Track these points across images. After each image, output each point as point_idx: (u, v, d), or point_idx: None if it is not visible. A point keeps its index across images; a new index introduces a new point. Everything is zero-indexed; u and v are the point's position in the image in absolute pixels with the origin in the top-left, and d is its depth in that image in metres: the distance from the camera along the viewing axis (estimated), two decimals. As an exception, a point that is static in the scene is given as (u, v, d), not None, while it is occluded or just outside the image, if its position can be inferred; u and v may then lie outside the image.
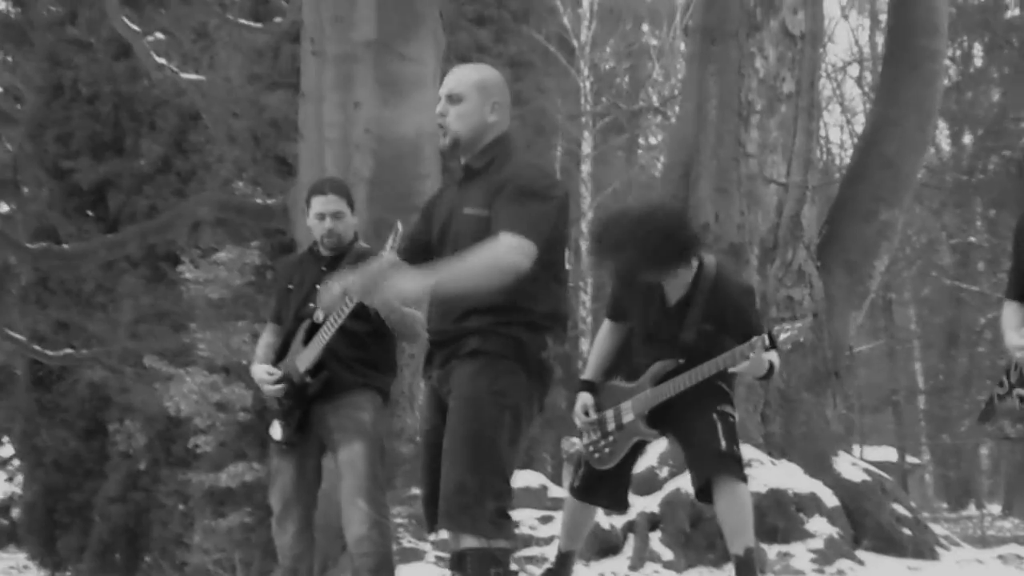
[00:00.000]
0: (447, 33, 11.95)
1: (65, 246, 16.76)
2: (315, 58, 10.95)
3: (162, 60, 16.17)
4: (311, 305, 6.38)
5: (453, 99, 4.88)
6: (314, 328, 6.30)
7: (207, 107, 17.00)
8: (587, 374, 6.57)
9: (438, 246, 4.94)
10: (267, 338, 6.69)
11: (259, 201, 14.50)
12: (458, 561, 4.74)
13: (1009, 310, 5.14)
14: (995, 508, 28.39)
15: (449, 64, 13.39)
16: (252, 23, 17.03)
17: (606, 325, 6.56)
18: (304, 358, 6.31)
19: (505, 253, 4.56)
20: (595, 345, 6.55)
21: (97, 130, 20.21)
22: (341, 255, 6.48)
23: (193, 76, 16.78)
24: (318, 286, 6.40)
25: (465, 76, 4.96)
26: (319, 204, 6.48)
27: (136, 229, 16.07)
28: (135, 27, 15.89)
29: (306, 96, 11.13)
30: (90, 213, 20.33)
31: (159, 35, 17.45)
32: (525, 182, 4.72)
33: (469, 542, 4.65)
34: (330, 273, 6.42)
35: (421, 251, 5.08)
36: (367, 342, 6.31)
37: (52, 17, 21.35)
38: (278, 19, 16.87)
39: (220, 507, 15.24)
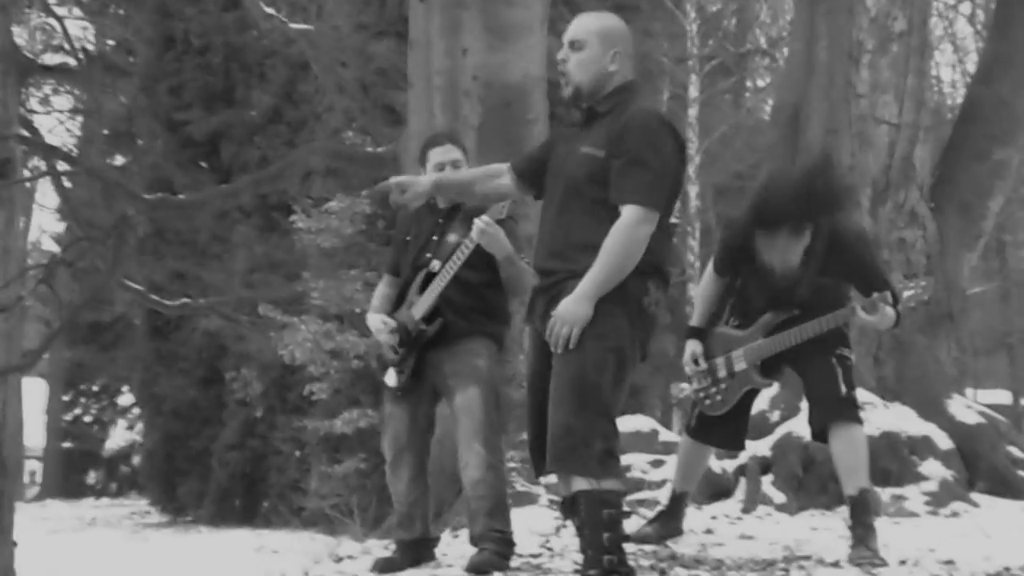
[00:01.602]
0: (553, -22, 11.92)
1: (180, 196, 17.01)
2: (422, 5, 10.97)
3: (270, 10, 16.30)
4: (428, 255, 6.46)
5: (575, 46, 4.94)
6: (430, 277, 6.38)
7: (316, 57, 17.09)
8: (695, 321, 6.59)
9: (551, 186, 5.02)
10: (383, 289, 6.78)
11: (369, 150, 14.60)
12: (570, 504, 4.83)
13: None
14: (1114, 450, 27.93)
15: (557, 9, 13.39)
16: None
17: (711, 274, 6.55)
18: (420, 306, 6.39)
19: (631, 234, 4.68)
20: (700, 291, 6.56)
21: (208, 81, 20.45)
22: (457, 206, 6.54)
23: (301, 26, 16.89)
24: (434, 237, 6.49)
25: (587, 23, 5.00)
26: (438, 155, 6.55)
27: (249, 179, 16.27)
28: (244, -22, 16.02)
29: (414, 44, 11.16)
30: (203, 164, 20.61)
31: (268, -15, 17.54)
32: (641, 146, 4.76)
33: (579, 484, 4.73)
34: (447, 224, 6.50)
35: (536, 174, 5.18)
36: (482, 291, 6.38)
37: (162, -30, 21.58)
38: (385, -32, 16.92)
39: (335, 453, 15.43)
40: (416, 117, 11.06)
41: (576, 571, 4.79)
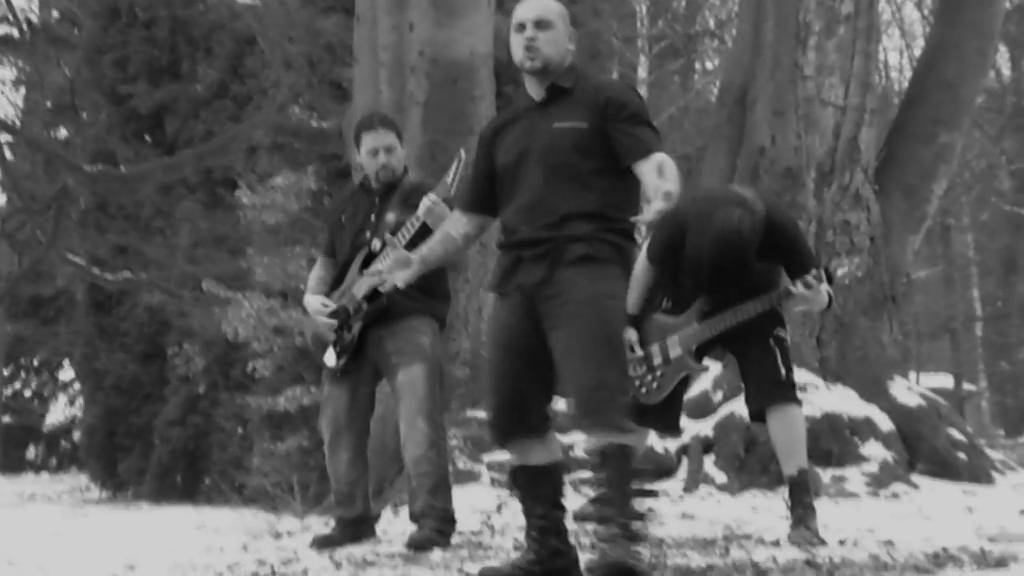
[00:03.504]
0: (501, -44, 11.86)
1: (122, 168, 16.86)
2: (369, -20, 10.92)
3: (218, -16, 16.17)
4: (367, 234, 6.44)
5: (542, 25, 5.09)
6: (371, 257, 6.37)
7: (262, 31, 16.97)
8: (629, 308, 6.57)
9: (517, 166, 5.07)
10: (319, 271, 6.77)
11: (314, 125, 14.51)
12: (600, 459, 4.83)
13: None
14: (1052, 435, 28.20)
15: (504, -13, 13.32)
16: (307, -54, 16.96)
17: (644, 262, 6.52)
18: (361, 285, 6.37)
19: (675, 168, 4.74)
20: (634, 279, 6.54)
21: (154, 55, 20.23)
22: (392, 188, 6.54)
23: (248, 0, 16.77)
24: (372, 217, 6.47)
25: (550, 5, 5.18)
26: (371, 140, 6.57)
27: (192, 152, 16.15)
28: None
29: (360, 19, 11.11)
30: (147, 138, 20.39)
31: (214, -41, 17.42)
32: (638, 107, 5.01)
33: (612, 438, 4.79)
34: (384, 204, 6.49)
35: (487, 196, 5.24)
36: (424, 272, 6.34)
37: (108, -59, 21.33)
38: (333, -58, 16.78)
39: (278, 431, 15.35)
40: (362, 93, 11.02)
41: (600, 520, 4.86)
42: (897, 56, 30.93)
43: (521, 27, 5.12)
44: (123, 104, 20.16)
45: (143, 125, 20.34)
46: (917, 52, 26.94)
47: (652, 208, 4.56)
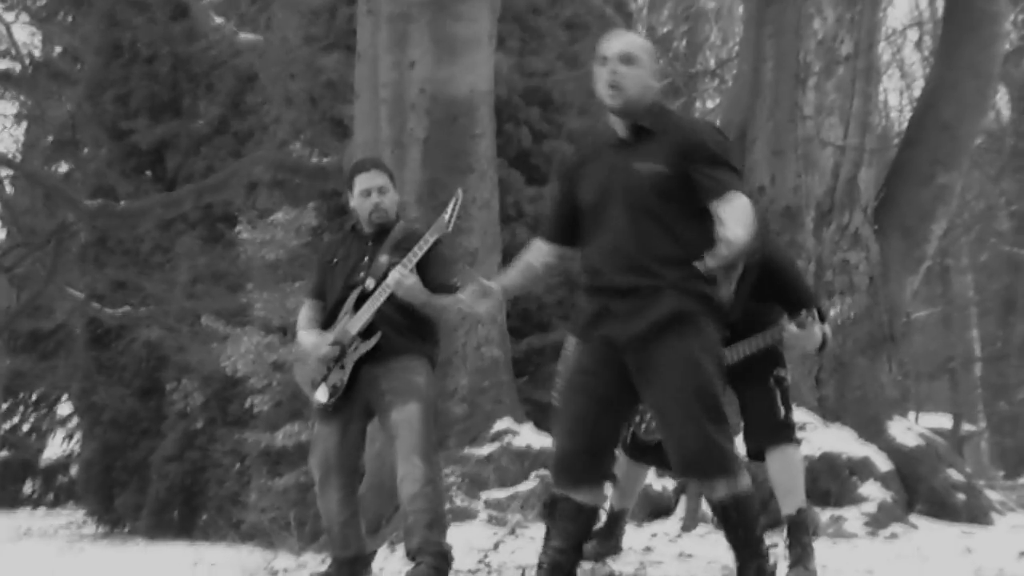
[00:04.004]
0: (503, -6, 11.90)
1: (122, 203, 16.89)
2: (370, 17, 10.96)
3: (219, 20, 16.21)
4: (361, 275, 6.46)
5: (626, 60, 5.06)
6: (364, 296, 6.39)
7: (264, 68, 17.01)
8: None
9: (600, 206, 5.06)
10: (309, 313, 6.75)
11: (315, 161, 14.54)
12: (721, 511, 4.96)
13: None
14: (1051, 476, 28.12)
15: (505, 25, 13.37)
16: (309, -16, 17.02)
17: None
18: (355, 322, 6.38)
19: (751, 210, 4.81)
20: None
21: (155, 91, 20.27)
22: (386, 230, 6.57)
23: (250, 37, 16.82)
24: (366, 258, 6.49)
25: (636, 40, 5.26)
26: (364, 181, 6.60)
27: (192, 188, 16.18)
28: (193, -12, 15.94)
29: (361, 56, 11.14)
30: (148, 173, 20.41)
31: (216, -4, 17.48)
32: (718, 148, 4.99)
33: (724, 488, 4.90)
34: (377, 247, 6.51)
35: (570, 227, 5.25)
36: (415, 312, 6.38)
37: (110, -22, 21.41)
38: (335, -20, 16.85)
39: (276, 466, 15.32)
40: (362, 129, 11.04)
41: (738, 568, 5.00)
42: (897, 96, 30.99)
43: (604, 61, 5.10)
44: (124, 139, 20.19)
45: (144, 161, 20.37)
46: (917, 93, 27.01)
47: (715, 254, 4.59)
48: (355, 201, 6.63)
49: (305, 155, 15.40)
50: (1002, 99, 27.80)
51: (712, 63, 28.15)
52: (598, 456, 5.07)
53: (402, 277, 6.22)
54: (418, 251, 6.29)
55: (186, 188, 16.73)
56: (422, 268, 6.32)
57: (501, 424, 9.94)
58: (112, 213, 16.20)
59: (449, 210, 6.32)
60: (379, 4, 10.81)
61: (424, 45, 10.50)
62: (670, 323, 4.88)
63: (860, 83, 10.29)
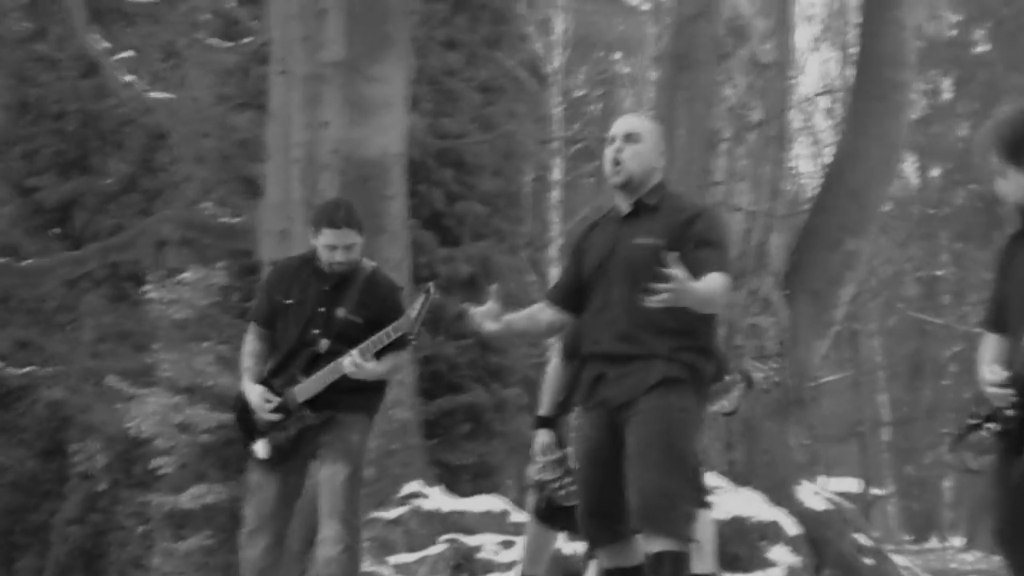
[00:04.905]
0: (417, 56, 11.93)
1: (25, 262, 16.65)
2: (283, 78, 10.91)
3: (130, 78, 16.10)
4: (315, 331, 6.29)
5: (631, 139, 5.30)
6: (316, 357, 6.25)
7: (175, 126, 16.91)
8: (543, 410, 6.56)
9: (600, 278, 5.26)
10: (255, 344, 6.51)
11: (224, 220, 14.44)
12: (655, 563, 4.96)
13: (985, 343, 5.12)
14: (958, 541, 28.41)
15: (419, 87, 13.39)
16: (221, 42, 16.98)
17: (558, 362, 6.54)
18: (303, 391, 6.25)
19: (724, 290, 5.03)
20: (547, 380, 6.57)
21: (63, 148, 20.10)
22: (348, 279, 6.35)
23: (161, 95, 16.72)
24: (321, 309, 6.31)
25: (641, 120, 5.52)
26: (332, 237, 6.26)
27: (98, 246, 16.00)
28: (103, 44, 15.82)
29: (274, 116, 11.08)
30: (55, 231, 20.19)
31: (127, 53, 17.33)
32: (708, 229, 5.18)
33: (665, 545, 4.92)
34: (336, 296, 6.32)
35: (574, 296, 5.40)
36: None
37: (19, 33, 21.20)
38: (247, 39, 16.80)
39: (180, 529, 15.14)
40: (274, 189, 10.96)
41: None
42: (808, 162, 31.40)
43: (612, 140, 5.31)
44: (30, 197, 19.98)
45: (50, 218, 20.16)
46: (828, 159, 27.41)
47: (660, 296, 4.73)
48: (318, 245, 6.36)
49: (215, 214, 15.31)
50: (909, 167, 28.28)
51: (625, 128, 28.35)
52: (609, 516, 5.18)
53: (358, 369, 6.10)
54: (377, 343, 6.13)
55: (93, 246, 16.54)
56: (379, 322, 6.17)
57: (410, 487, 9.86)
58: (15, 272, 15.98)
59: (418, 306, 6.10)
60: (293, 64, 10.78)
61: (337, 106, 10.46)
62: (657, 386, 5.03)
63: (771, 149, 10.38)
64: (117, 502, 17.69)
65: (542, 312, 5.53)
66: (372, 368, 6.13)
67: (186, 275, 15.09)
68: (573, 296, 5.41)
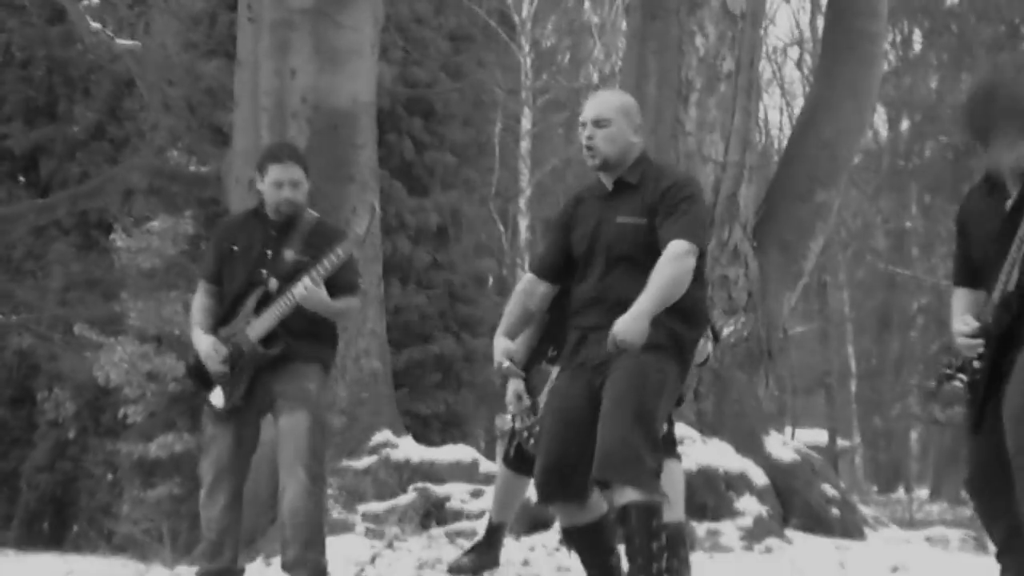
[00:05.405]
0: (386, 4, 11.85)
1: (-7, 209, 16.58)
2: (251, 24, 10.81)
3: (97, 25, 15.98)
4: (263, 271, 6.28)
5: (600, 123, 5.33)
6: (267, 297, 6.24)
7: (142, 74, 16.78)
8: (501, 329, 6.54)
9: (587, 255, 5.34)
10: (204, 299, 6.53)
11: (192, 169, 14.38)
12: (623, 515, 5.00)
13: (957, 297, 5.17)
14: (924, 492, 28.64)
15: (389, 35, 13.32)
16: (189, -11, 16.86)
17: (523, 284, 6.52)
18: (256, 328, 6.24)
19: (678, 264, 5.07)
20: (512, 302, 6.57)
21: (30, 95, 19.97)
22: (292, 221, 6.38)
23: (128, 42, 16.59)
24: (268, 252, 6.32)
25: (610, 101, 5.49)
26: (277, 172, 6.35)
27: (66, 194, 15.91)
28: (70, -9, 15.68)
29: (242, 63, 10.99)
30: (21, 179, 20.09)
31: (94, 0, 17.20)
32: (680, 195, 5.22)
33: (631, 495, 4.97)
34: (282, 239, 6.34)
35: (564, 266, 5.50)
36: (317, 317, 6.26)
37: (-15, -20, 21.03)
38: (216, -14, 16.69)
39: (149, 478, 15.15)
40: (242, 137, 10.89)
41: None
42: (778, 114, 31.40)
43: (583, 126, 5.37)
44: (-3, 144, 19.86)
45: (17, 166, 20.04)
46: (797, 110, 27.40)
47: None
48: (264, 188, 6.40)
49: (183, 162, 15.25)
50: (880, 119, 28.31)
51: (595, 78, 28.32)
52: (567, 475, 5.19)
53: (310, 292, 6.09)
54: (327, 264, 6.13)
55: (60, 194, 16.46)
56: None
57: (380, 436, 9.85)
58: (-18, 219, 15.88)
59: (364, 224, 6.22)
60: (261, 11, 10.67)
61: (306, 54, 10.38)
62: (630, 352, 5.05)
63: (741, 100, 10.34)
64: (86, 450, 17.68)
65: (535, 289, 5.61)
66: (324, 297, 6.12)
67: (154, 224, 15.04)
68: (562, 270, 5.50)
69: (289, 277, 6.18)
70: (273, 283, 6.23)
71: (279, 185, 6.32)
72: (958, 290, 5.19)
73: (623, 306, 5.09)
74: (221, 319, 6.41)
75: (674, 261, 5.05)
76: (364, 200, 10.07)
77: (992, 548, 5.18)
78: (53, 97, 19.94)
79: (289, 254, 6.27)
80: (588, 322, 5.27)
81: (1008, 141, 4.91)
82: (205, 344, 6.35)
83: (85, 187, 15.93)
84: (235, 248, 6.42)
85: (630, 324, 4.93)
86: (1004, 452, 4.79)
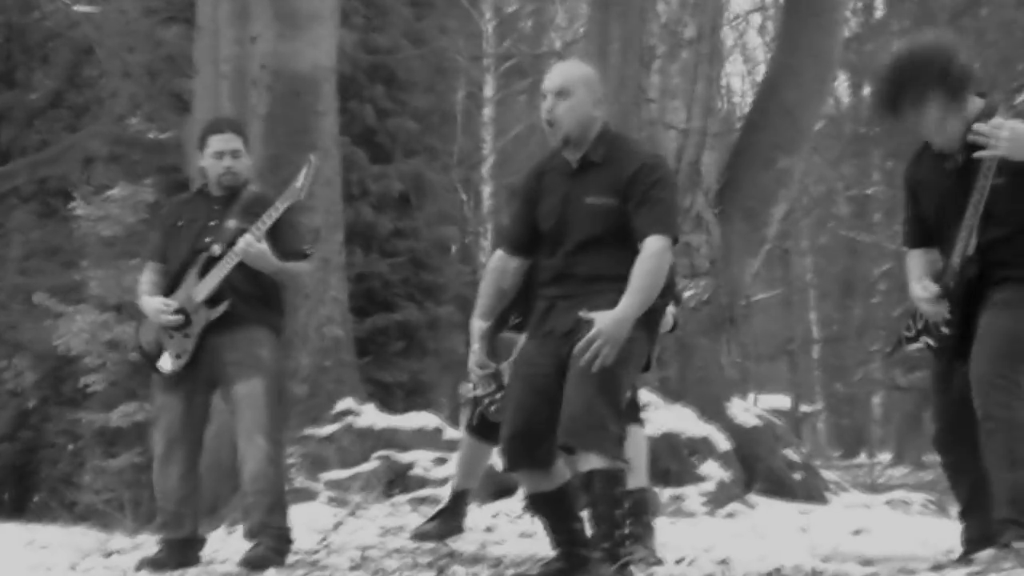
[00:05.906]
0: (347, -31, 11.78)
1: (-49, 177, 16.44)
2: (211, -9, 10.74)
3: (56, -9, 15.84)
4: (207, 239, 6.29)
5: (562, 94, 5.23)
6: (211, 261, 6.23)
7: (101, 40, 16.65)
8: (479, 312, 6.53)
9: (555, 232, 5.27)
10: (150, 276, 6.55)
11: (153, 136, 14.29)
12: (587, 481, 5.02)
13: (912, 259, 5.20)
14: (886, 456, 28.79)
15: (349, 2, 13.23)
16: (148, -46, 16.69)
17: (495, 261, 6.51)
18: (201, 289, 6.23)
19: (657, 261, 5.04)
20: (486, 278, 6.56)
21: (-12, 62, 19.80)
22: (234, 194, 6.41)
23: (87, 8, 16.46)
24: (212, 222, 6.32)
25: (571, 71, 5.38)
26: (217, 142, 6.42)
27: (26, 161, 15.84)
28: (28, -44, 15.54)
29: (202, 30, 10.93)
30: (-20, 147, 19.92)
31: (52, -35, 17.07)
32: (656, 176, 5.15)
33: (595, 462, 4.97)
34: (225, 210, 6.35)
35: (533, 240, 5.43)
36: (264, 279, 6.26)
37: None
38: (176, -49, 16.55)
39: (110, 447, 15.11)
40: (202, 104, 10.84)
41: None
42: (740, 81, 31.40)
43: (544, 97, 5.28)
44: (-46, 112, 19.70)
45: (-26, 132, 19.88)
46: (759, 77, 27.40)
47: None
48: (206, 162, 6.44)
49: (143, 130, 15.14)
50: (842, 85, 28.34)
51: (558, 44, 28.19)
52: (531, 442, 5.18)
53: (250, 245, 6.08)
54: (268, 219, 6.15)
55: (20, 161, 16.36)
56: (272, 235, 6.19)
57: (343, 404, 9.85)
58: (-59, 186, 15.77)
59: (301, 177, 6.23)
60: (220, -24, 10.60)
61: (266, 19, 10.31)
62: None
63: (703, 67, 10.34)
64: (47, 419, 17.60)
65: (506, 266, 5.57)
66: (267, 252, 6.12)
67: (114, 191, 14.95)
68: (531, 244, 5.45)
69: (232, 242, 6.19)
70: (217, 249, 6.24)
71: (220, 155, 6.38)
72: (913, 251, 5.23)
73: (592, 281, 5.10)
74: (167, 290, 6.40)
75: (653, 259, 5.03)
76: (326, 167, 10.04)
77: (954, 511, 5.22)
78: (11, 64, 19.78)
79: (232, 223, 6.28)
80: (556, 292, 5.24)
81: (936, 116, 4.99)
82: (154, 303, 6.35)
83: (44, 154, 15.84)
84: (179, 223, 6.45)
85: (613, 328, 4.93)
86: (971, 410, 4.86)
